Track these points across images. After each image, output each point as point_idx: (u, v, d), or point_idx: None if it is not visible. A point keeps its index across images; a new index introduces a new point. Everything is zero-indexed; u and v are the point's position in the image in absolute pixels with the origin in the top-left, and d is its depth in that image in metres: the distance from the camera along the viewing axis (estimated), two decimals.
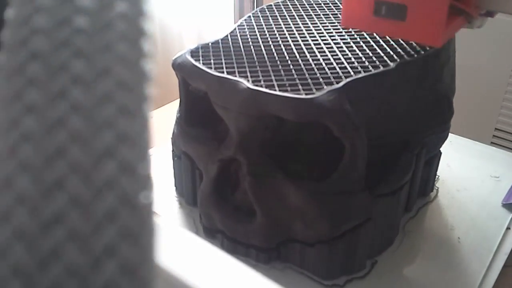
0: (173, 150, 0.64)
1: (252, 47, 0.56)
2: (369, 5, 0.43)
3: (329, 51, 0.55)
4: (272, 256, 0.55)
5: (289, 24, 0.62)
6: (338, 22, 0.61)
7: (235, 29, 0.60)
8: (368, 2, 0.43)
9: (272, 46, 0.56)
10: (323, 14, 0.64)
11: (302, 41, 0.57)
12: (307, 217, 0.50)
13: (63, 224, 0.09)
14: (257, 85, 0.47)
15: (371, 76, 0.49)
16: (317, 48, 0.55)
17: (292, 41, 0.57)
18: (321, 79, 0.49)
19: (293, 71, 0.51)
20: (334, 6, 0.67)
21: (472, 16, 0.44)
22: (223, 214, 0.54)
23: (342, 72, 0.50)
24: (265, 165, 0.50)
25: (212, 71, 0.50)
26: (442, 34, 0.42)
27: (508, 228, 0.62)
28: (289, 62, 0.53)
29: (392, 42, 0.56)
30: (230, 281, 0.17)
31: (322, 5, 0.68)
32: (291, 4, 0.68)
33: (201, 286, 0.16)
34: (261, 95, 0.47)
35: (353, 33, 0.58)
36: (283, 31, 0.60)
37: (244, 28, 0.61)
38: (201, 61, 0.52)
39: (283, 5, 0.68)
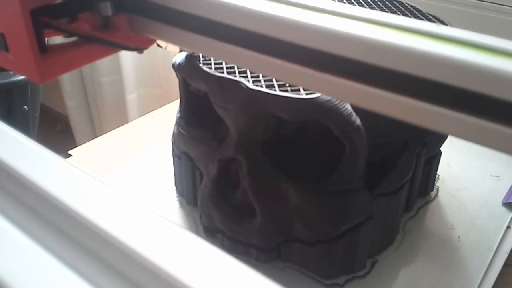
0: (173, 150, 0.64)
1: None
2: None
3: None
4: (272, 255, 0.55)
5: None
6: None
7: None
8: None
9: None
10: None
11: None
12: (307, 216, 0.50)
13: None
14: (257, 85, 0.47)
15: None
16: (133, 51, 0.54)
17: None
18: None
19: None
20: None
21: (121, 44, 0.37)
22: (223, 214, 0.54)
23: None
24: (265, 165, 0.50)
25: (212, 71, 0.50)
26: (39, 68, 0.35)
27: (508, 227, 0.62)
28: None
29: None
30: (230, 281, 0.17)
31: None
32: None
33: (201, 286, 0.16)
34: (261, 95, 0.47)
35: None
36: None
37: None
38: (201, 61, 0.52)
39: None
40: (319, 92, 0.30)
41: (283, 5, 0.29)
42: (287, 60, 0.29)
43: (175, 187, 0.68)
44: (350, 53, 0.26)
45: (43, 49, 0.35)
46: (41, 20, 0.34)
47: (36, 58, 0.34)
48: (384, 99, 0.26)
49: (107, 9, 0.35)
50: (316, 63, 0.28)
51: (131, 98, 1.34)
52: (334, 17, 0.27)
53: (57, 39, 0.39)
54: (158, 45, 0.40)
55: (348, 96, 0.28)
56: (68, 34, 0.36)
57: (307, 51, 0.27)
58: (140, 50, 0.38)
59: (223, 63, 0.52)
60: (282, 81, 0.47)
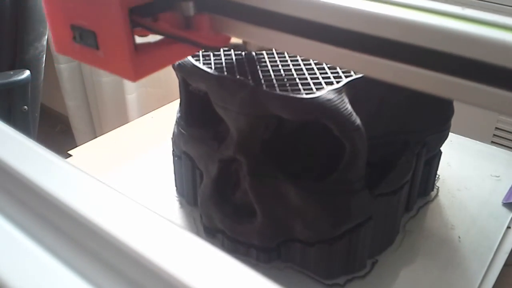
0: (173, 150, 0.64)
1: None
2: (70, 30, 0.37)
3: None
4: (272, 255, 0.55)
5: None
6: None
7: None
8: (68, 27, 0.37)
9: None
10: None
11: None
12: (308, 216, 0.50)
13: None
14: (257, 85, 0.47)
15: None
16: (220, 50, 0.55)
17: None
18: (321, 79, 0.49)
19: (293, 71, 0.51)
20: None
21: (202, 43, 0.38)
22: (224, 214, 0.54)
23: (343, 72, 0.50)
24: (265, 165, 0.50)
25: (212, 71, 0.50)
26: (134, 66, 0.35)
27: (508, 227, 0.62)
28: (289, 61, 0.53)
29: None
30: (230, 281, 0.17)
31: None
32: None
33: (200, 286, 0.16)
34: (261, 94, 0.47)
35: None
36: None
37: None
38: (201, 61, 0.52)
39: None
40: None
41: (373, 3, 0.30)
42: (379, 56, 0.30)
43: (175, 187, 0.68)
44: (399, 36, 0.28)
45: (135, 48, 0.35)
46: (133, 19, 0.34)
47: (131, 57, 0.35)
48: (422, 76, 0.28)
49: (189, 8, 0.36)
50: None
51: (131, 98, 1.34)
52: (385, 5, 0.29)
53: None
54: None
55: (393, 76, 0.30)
56: (156, 33, 0.37)
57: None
58: (217, 49, 0.39)
59: (223, 62, 0.52)
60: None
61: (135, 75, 0.36)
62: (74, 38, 0.37)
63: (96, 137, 0.86)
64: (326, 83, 0.48)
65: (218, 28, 0.37)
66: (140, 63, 0.36)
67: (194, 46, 0.38)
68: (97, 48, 0.36)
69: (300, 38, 0.33)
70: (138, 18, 0.35)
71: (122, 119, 1.34)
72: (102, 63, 0.37)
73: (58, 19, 0.37)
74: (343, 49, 0.31)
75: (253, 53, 0.54)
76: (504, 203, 0.66)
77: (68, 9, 0.36)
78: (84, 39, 0.36)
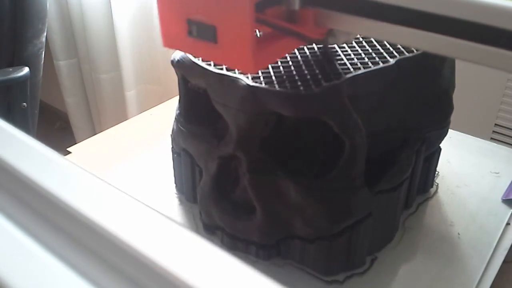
0: (172, 147, 0.64)
1: None
2: (184, 25, 0.38)
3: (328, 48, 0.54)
4: (272, 252, 0.55)
5: None
6: None
7: None
8: (182, 22, 0.38)
9: None
10: None
11: None
12: (307, 213, 0.50)
13: None
14: (256, 82, 0.47)
15: (371, 73, 0.49)
16: (316, 45, 0.55)
17: None
18: (320, 76, 0.49)
19: (292, 68, 0.50)
20: None
21: (307, 36, 0.39)
22: (223, 211, 0.54)
23: (342, 69, 0.50)
24: (264, 162, 0.50)
25: (211, 68, 0.50)
26: (254, 59, 0.37)
27: (508, 224, 0.62)
28: (288, 58, 0.53)
29: None
30: (229, 279, 0.17)
31: None
32: None
33: (199, 284, 0.16)
34: (260, 91, 0.46)
35: None
36: None
37: None
38: (200, 58, 0.52)
39: None
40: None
41: None
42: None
43: (174, 184, 0.68)
44: None
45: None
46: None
47: (253, 49, 0.36)
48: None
49: (296, 2, 0.37)
50: None
51: (130, 95, 1.34)
52: None
53: None
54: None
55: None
56: (274, 27, 0.38)
57: None
58: (320, 42, 0.40)
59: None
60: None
61: (255, 67, 0.37)
62: (190, 32, 0.38)
63: (95, 134, 0.86)
64: (325, 80, 0.48)
65: (320, 21, 0.38)
66: (258, 56, 0.37)
67: (301, 39, 0.39)
68: (216, 42, 0.37)
69: (402, 27, 0.33)
70: (256, 13, 0.36)
71: (121, 116, 1.33)
72: (218, 56, 0.38)
73: (173, 14, 0.38)
74: (446, 37, 0.32)
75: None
76: (504, 199, 0.66)
77: (185, 4, 0.37)
78: (202, 33, 0.37)
